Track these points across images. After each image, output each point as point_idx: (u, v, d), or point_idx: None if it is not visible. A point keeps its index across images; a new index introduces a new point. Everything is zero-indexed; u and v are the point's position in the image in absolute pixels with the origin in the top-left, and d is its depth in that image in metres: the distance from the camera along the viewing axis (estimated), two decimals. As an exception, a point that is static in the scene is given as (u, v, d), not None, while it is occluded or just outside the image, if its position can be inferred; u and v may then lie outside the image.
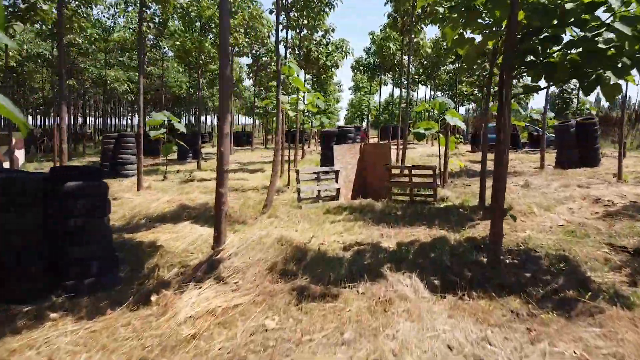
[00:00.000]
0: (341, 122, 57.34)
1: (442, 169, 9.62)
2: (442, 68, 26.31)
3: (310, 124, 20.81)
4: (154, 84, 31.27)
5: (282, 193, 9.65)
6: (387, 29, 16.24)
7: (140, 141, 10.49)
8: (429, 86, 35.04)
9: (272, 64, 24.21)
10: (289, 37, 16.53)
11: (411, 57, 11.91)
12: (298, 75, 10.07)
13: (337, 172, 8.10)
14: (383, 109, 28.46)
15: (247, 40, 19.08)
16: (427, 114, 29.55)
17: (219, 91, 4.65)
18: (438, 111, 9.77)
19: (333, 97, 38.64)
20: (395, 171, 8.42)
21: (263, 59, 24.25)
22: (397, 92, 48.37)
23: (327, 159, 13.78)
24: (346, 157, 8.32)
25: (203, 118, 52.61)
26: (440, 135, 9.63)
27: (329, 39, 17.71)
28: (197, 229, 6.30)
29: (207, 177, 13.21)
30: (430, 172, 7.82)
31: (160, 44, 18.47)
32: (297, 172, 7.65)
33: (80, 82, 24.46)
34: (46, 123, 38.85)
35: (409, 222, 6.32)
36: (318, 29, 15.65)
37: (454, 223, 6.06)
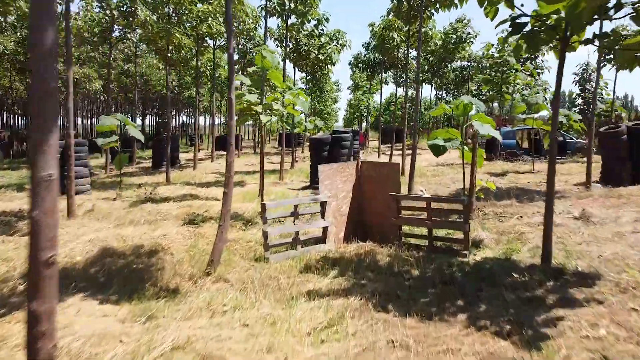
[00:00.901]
0: (340, 123, 54.90)
1: (467, 193, 7.18)
2: (449, 65, 23.88)
3: (303, 127, 18.40)
4: (134, 82, 28.76)
5: (253, 225, 7.21)
6: (390, 17, 13.80)
7: (69, 153, 8.05)
8: (433, 85, 32.61)
9: (261, 60, 21.74)
10: (278, 26, 14.08)
11: (420, 48, 9.45)
12: (278, 67, 7.63)
13: (323, 204, 5.66)
14: (384, 110, 26.09)
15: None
16: (445, 117, 27.14)
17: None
18: (461, 115, 7.34)
19: (330, 96, 36.17)
20: (407, 202, 5.97)
21: (252, 54, 21.77)
22: (399, 91, 45.92)
23: (317, 173, 11.33)
24: (336, 181, 5.89)
25: (201, 119, 50.34)
26: (465, 148, 7.20)
27: (322, 29, 15.29)
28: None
29: (172, 195, 10.77)
30: (459, 206, 5.35)
31: (129, 35, 16.02)
32: (263, 207, 5.18)
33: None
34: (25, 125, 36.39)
35: (436, 301, 3.87)
36: (309, 16, 13.21)
37: (512, 310, 3.59)
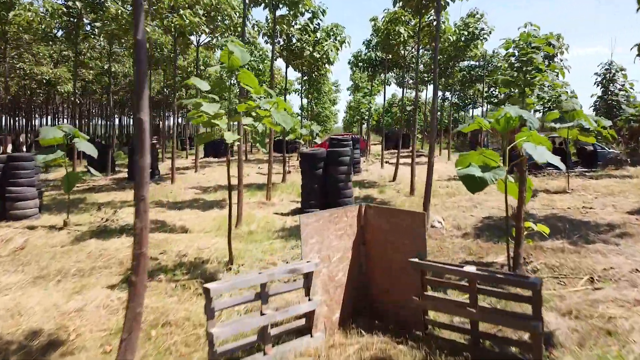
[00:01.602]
0: (340, 124, 52.84)
1: (513, 239, 5.20)
2: (457, 64, 21.91)
3: (298, 133, 16.43)
4: (119, 82, 26.83)
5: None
6: (397, 8, 11.82)
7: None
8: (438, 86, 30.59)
9: (252, 58, 19.77)
10: (267, 19, 12.09)
11: (438, 40, 7.49)
12: (246, 66, 5.62)
13: (308, 275, 3.68)
14: (386, 111, 24.15)
15: (211, 26, 14.65)
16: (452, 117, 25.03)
17: None
18: (502, 132, 5.38)
19: (329, 98, 34.17)
20: (436, 270, 3.97)
21: (241, 53, 19.78)
22: (400, 91, 43.93)
23: (310, 194, 9.35)
24: (329, 237, 3.90)
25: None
26: (510, 178, 5.22)
27: (318, 24, 13.32)
28: None
29: (132, 222, 8.80)
30: (529, 291, 3.28)
31: (95, 31, 14.03)
32: (207, 292, 3.15)
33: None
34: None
35: None
36: (302, 7, 11.22)
37: None
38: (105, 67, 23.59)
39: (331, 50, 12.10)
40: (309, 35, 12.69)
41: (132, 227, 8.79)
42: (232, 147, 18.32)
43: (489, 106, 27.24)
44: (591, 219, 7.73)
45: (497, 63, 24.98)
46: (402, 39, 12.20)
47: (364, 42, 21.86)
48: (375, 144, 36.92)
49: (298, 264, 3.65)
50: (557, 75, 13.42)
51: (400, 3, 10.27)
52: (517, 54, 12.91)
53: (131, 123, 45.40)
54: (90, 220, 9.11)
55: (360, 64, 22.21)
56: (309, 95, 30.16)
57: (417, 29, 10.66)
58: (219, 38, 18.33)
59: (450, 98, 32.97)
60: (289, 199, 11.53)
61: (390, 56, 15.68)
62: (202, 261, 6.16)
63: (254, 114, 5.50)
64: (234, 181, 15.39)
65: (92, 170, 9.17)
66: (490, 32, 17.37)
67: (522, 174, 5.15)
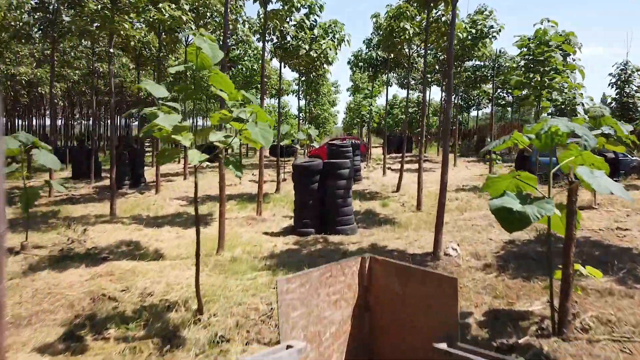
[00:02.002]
0: (339, 124, 51.60)
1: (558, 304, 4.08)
2: (463, 64, 20.81)
3: (294, 138, 15.34)
4: (108, 84, 25.68)
5: (182, 349, 4.10)
6: (401, 2, 10.72)
7: None
8: (441, 87, 29.48)
9: (246, 58, 18.66)
10: (259, 14, 10.96)
11: (453, 34, 6.37)
12: (241, 67, 4.48)
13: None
14: (387, 113, 22.99)
15: (200, 22, 13.52)
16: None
17: None
18: (542, 149, 4.28)
19: (328, 99, 33.04)
20: None
21: (235, 51, 18.66)
22: (402, 92, 42.76)
23: (304, 212, 8.22)
24: (318, 306, 2.76)
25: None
26: (557, 211, 4.08)
27: (315, 20, 12.19)
28: None
29: (101, 245, 7.70)
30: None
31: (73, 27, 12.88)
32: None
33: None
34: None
35: None
36: (296, 1, 10.10)
37: None
38: (95, 66, 22.49)
39: (330, 49, 10.97)
40: (305, 33, 11.55)
41: (99, 251, 7.68)
42: (226, 150, 16.96)
43: (494, 108, 26.10)
44: (632, 245, 6.60)
45: (505, 63, 23.86)
46: (407, 36, 11.06)
47: (364, 41, 20.78)
48: (375, 147, 35.78)
49: (273, 353, 2.51)
50: (574, 76, 12.26)
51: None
52: (532, 52, 11.79)
53: (122, 125, 44.38)
54: (54, 242, 7.98)
55: (361, 63, 21.12)
56: (307, 97, 29.05)
57: (424, 24, 9.53)
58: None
59: (454, 100, 31.85)
60: (282, 213, 10.41)
61: (392, 55, 14.54)
62: (168, 305, 5.03)
63: (228, 126, 4.39)
64: (231, 190, 14.29)
65: (54, 184, 8.02)
66: (500, 30, 16.26)
67: (572, 205, 4.01)
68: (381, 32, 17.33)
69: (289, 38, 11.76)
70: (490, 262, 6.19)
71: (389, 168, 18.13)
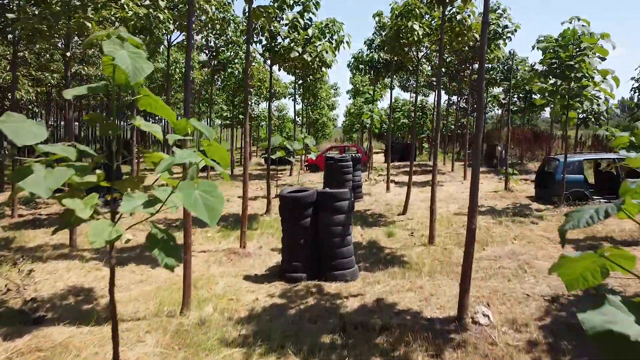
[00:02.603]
0: (339, 126, 49.99)
1: None
2: (471, 66, 19.33)
3: (286, 149, 13.86)
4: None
5: None
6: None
7: None
8: (446, 89, 27.97)
9: (236, 60, 17.16)
10: (244, 11, 9.45)
11: (485, 31, 4.84)
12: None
13: None
14: (390, 118, 21.48)
15: (184, 22, 12.04)
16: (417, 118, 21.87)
17: None
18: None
19: (327, 103, 31.52)
20: None
21: (225, 54, 17.14)
22: (400, 94, 41.21)
23: (294, 253, 6.69)
24: None
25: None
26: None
27: (310, 19, 10.69)
28: None
29: (38, 294, 6.23)
30: None
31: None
32: None
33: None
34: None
35: None
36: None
37: None
38: (74, 69, 21.02)
39: (326, 52, 9.45)
40: (298, 33, 10.05)
41: (38, 305, 6.19)
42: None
43: (502, 112, 24.60)
44: None
45: (515, 65, 22.35)
46: (415, 38, 9.55)
47: (365, 42, 19.25)
48: (377, 152, 34.26)
49: None
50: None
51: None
52: (559, 55, 10.29)
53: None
54: (-15, 290, 6.48)
55: (362, 66, 19.58)
56: (305, 100, 27.51)
57: (443, 20, 8.02)
58: (195, 36, 15.71)
59: (457, 102, 30.39)
60: (271, 244, 8.90)
61: (396, 58, 13.04)
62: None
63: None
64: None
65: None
66: (515, 31, 14.77)
67: None
68: (385, 32, 15.82)
69: (280, 39, 10.26)
70: (535, 336, 4.68)
71: (392, 181, 16.60)
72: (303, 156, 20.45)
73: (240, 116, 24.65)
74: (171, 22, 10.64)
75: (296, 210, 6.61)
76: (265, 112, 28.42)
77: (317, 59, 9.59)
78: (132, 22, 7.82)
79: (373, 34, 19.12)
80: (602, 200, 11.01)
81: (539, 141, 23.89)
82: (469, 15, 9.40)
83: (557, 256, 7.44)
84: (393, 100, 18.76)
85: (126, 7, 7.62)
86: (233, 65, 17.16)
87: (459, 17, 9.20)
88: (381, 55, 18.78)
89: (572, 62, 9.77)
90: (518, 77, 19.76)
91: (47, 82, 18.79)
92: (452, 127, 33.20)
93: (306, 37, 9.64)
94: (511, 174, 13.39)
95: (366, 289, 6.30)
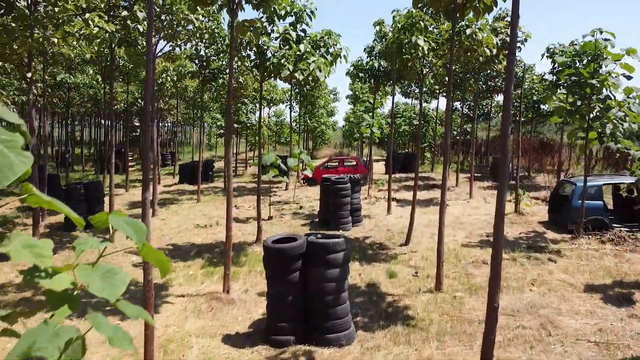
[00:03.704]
0: (339, 124, 48.94)
1: None
2: (478, 75, 18.38)
3: (276, 170, 12.94)
4: (81, 94, 23.38)
5: None
6: (415, 10, 8.25)
7: None
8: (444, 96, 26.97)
9: (227, 71, 16.18)
10: (229, 24, 8.47)
11: (515, 44, 3.85)
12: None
13: None
14: (392, 128, 20.60)
15: (170, 32, 11.12)
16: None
17: None
18: None
19: (326, 109, 30.54)
20: None
21: (215, 62, 16.18)
22: (402, 99, 40.24)
23: (280, 313, 5.72)
24: None
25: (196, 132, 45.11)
26: None
27: (304, 30, 9.75)
28: None
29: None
30: None
31: None
32: None
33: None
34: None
35: None
36: (277, 6, 7.67)
37: None
38: (59, 77, 20.15)
39: (319, 70, 8.48)
40: (290, 47, 9.10)
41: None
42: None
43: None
44: None
45: (522, 72, 21.36)
46: (420, 53, 8.59)
47: (365, 49, 18.30)
48: (377, 160, 33.24)
49: None
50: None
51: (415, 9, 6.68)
52: (578, 71, 9.33)
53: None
54: None
55: (361, 74, 18.62)
56: (303, 108, 26.56)
57: (452, 36, 7.05)
58: (183, 46, 14.75)
59: (460, 109, 29.43)
60: (259, 286, 7.93)
61: (400, 71, 12.06)
62: None
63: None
64: (197, 235, 11.70)
65: None
66: (525, 40, 13.82)
67: None
68: (385, 42, 14.86)
69: (269, 54, 9.30)
70: None
71: (394, 199, 15.62)
72: (299, 172, 19.47)
73: (236, 125, 23.73)
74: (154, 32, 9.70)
75: (283, 263, 5.65)
76: (263, 119, 27.50)
77: (309, 78, 8.62)
78: (99, 39, 6.86)
79: (373, 41, 18.19)
80: (623, 229, 10.03)
81: (547, 151, 22.88)
82: (480, 29, 8.44)
83: (584, 311, 6.49)
84: (394, 106, 17.85)
85: (91, 22, 6.66)
86: (224, 76, 16.21)
87: (468, 31, 8.24)
88: (382, 63, 17.84)
89: (594, 81, 8.80)
90: (525, 87, 18.79)
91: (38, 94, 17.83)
92: (455, 132, 32.24)
93: (298, 53, 8.68)
94: (522, 194, 12.40)
95: (364, 358, 5.34)
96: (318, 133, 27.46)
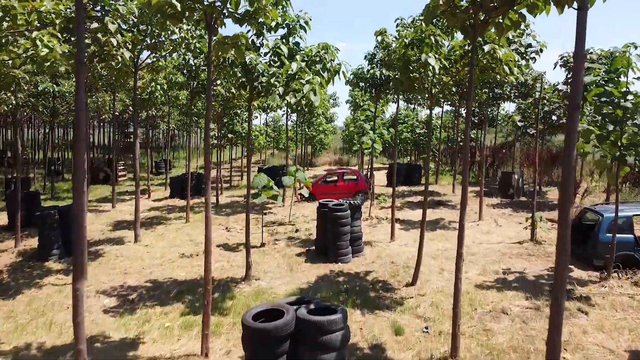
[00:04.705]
0: (340, 124, 47.81)
1: None
2: (487, 85, 17.25)
3: (269, 193, 11.75)
4: (66, 103, 22.30)
5: None
6: (422, 24, 7.15)
7: None
8: (447, 104, 25.88)
9: (219, 82, 15.10)
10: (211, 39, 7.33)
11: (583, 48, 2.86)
12: None
13: None
14: (395, 140, 19.49)
15: (152, 42, 10.05)
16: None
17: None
18: None
19: (325, 116, 29.41)
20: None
21: (205, 72, 15.06)
22: (403, 104, 39.06)
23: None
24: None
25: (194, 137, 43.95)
26: None
27: (297, 43, 8.65)
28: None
29: None
30: None
31: None
32: None
33: None
34: None
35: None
36: (264, 17, 6.56)
37: None
38: (42, 87, 19.05)
39: (314, 93, 7.35)
40: (282, 64, 8.00)
41: None
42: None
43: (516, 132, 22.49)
44: None
45: (532, 80, 20.27)
46: (430, 73, 7.48)
47: (366, 57, 17.16)
48: (378, 169, 32.11)
49: None
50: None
51: (423, 23, 5.57)
52: (608, 92, 8.21)
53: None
54: None
55: (362, 83, 17.47)
56: (301, 117, 25.43)
57: (461, 50, 5.94)
58: (167, 57, 13.68)
59: (464, 116, 28.25)
60: (242, 346, 6.79)
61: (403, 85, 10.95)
62: None
63: None
64: (181, 264, 10.47)
65: None
66: (540, 50, 12.68)
67: None
68: (388, 54, 13.78)
69: (259, 70, 8.19)
70: None
71: (397, 220, 14.49)
72: (296, 188, 18.37)
73: (230, 134, 22.65)
74: (123, 48, 8.59)
75: (265, 348, 4.53)
76: (258, 128, 26.34)
77: (304, 101, 7.50)
78: (48, 62, 5.76)
79: (375, 47, 17.08)
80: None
81: (557, 163, 21.75)
82: (501, 46, 7.32)
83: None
84: (397, 113, 16.69)
85: (39, 42, 5.56)
86: (217, 89, 15.09)
87: (486, 47, 7.12)
88: (383, 71, 16.71)
89: (628, 103, 7.68)
90: (536, 96, 17.65)
91: (8, 102, 16.75)
92: (459, 139, 31.06)
93: (290, 72, 7.56)
94: (538, 221, 11.27)
95: None
96: (317, 142, 26.37)
